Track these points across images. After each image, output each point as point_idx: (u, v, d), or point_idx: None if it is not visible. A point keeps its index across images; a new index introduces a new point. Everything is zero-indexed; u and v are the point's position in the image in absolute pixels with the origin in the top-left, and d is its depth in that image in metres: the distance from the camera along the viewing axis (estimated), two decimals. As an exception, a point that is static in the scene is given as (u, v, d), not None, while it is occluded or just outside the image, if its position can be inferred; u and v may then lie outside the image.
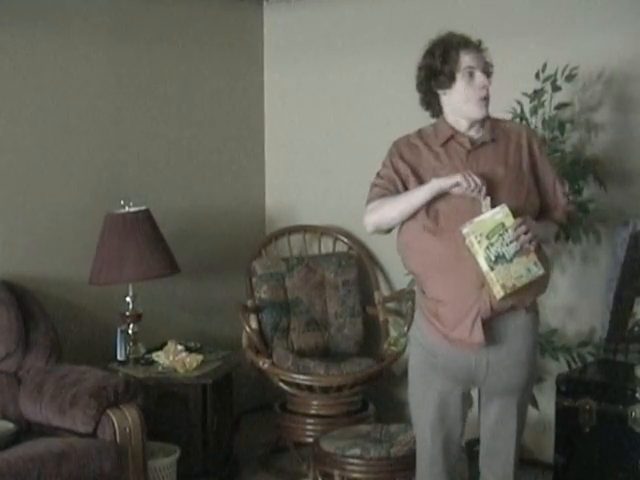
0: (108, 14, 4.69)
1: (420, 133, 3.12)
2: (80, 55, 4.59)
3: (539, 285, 3.05)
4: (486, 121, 3.06)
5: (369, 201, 3.08)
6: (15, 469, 3.34)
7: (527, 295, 3.00)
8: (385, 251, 4.92)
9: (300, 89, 5.36)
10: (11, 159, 4.35)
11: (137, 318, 4.42)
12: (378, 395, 4.79)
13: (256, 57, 5.46)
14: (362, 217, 3.10)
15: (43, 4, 4.42)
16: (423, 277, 3.07)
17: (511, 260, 2.90)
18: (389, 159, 3.10)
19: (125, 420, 3.71)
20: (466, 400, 3.19)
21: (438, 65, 2.99)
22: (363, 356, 4.78)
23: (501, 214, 2.90)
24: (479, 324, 2.95)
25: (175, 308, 4.96)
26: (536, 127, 4.14)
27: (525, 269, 2.92)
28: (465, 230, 2.90)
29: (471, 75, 2.99)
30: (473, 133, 3.05)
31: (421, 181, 3.01)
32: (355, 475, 3.75)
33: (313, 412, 4.54)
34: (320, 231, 5.21)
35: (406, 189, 3.04)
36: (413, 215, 2.99)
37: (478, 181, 2.91)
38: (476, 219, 2.90)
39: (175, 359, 4.32)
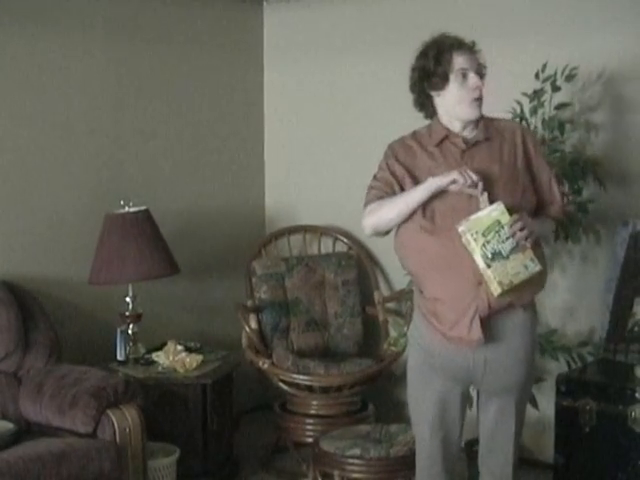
0: (108, 14, 4.69)
1: (415, 134, 3.14)
2: (80, 55, 4.59)
3: (537, 283, 3.06)
4: (480, 121, 3.07)
5: (366, 204, 3.10)
6: (15, 469, 3.34)
7: (525, 292, 3.01)
8: (385, 251, 4.91)
9: (300, 89, 5.36)
10: (11, 159, 4.35)
11: (137, 318, 4.42)
12: (378, 395, 4.79)
13: (256, 57, 5.46)
14: (362, 217, 3.11)
15: (43, 4, 4.42)
16: (421, 277, 3.08)
17: (508, 257, 2.90)
18: (384, 161, 3.12)
19: (125, 420, 3.71)
20: (465, 400, 3.19)
21: (431, 66, 3.01)
22: (363, 356, 4.78)
23: (497, 211, 2.91)
24: (477, 322, 2.96)
25: (175, 308, 4.96)
26: (536, 127, 4.14)
27: (522, 266, 2.92)
28: (461, 228, 2.91)
29: (464, 76, 3.00)
30: (467, 133, 3.07)
31: (417, 182, 3.03)
32: (355, 475, 3.75)
33: (313, 412, 4.54)
34: (320, 231, 5.21)
35: (403, 190, 3.05)
36: (410, 215, 3.00)
37: (474, 176, 2.92)
38: (472, 217, 2.91)
39: (175, 359, 4.32)
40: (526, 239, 2.92)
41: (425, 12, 4.72)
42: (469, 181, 2.91)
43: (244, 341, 4.71)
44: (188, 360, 4.32)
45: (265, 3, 5.42)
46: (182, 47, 5.05)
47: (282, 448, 4.69)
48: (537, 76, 4.13)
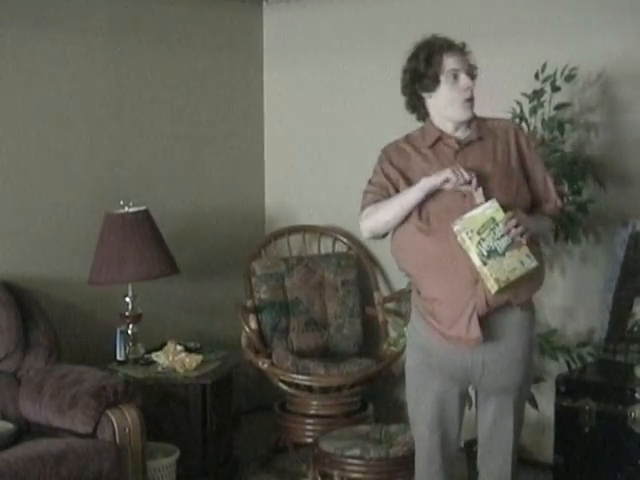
0: (108, 14, 4.69)
1: (408, 137, 3.16)
2: (80, 55, 4.59)
3: (534, 281, 3.07)
4: (472, 121, 3.09)
5: (363, 208, 3.12)
6: (15, 469, 3.34)
7: (522, 290, 3.01)
8: (384, 251, 4.85)
9: (300, 89, 5.36)
10: (11, 159, 4.36)
11: (136, 318, 4.42)
12: (377, 395, 4.79)
13: (256, 57, 5.46)
14: (359, 221, 3.13)
15: (43, 5, 4.42)
16: (418, 277, 3.09)
17: (503, 254, 2.91)
18: (379, 166, 3.14)
19: (124, 420, 3.71)
20: (463, 399, 3.20)
21: (422, 68, 3.02)
22: (362, 356, 4.78)
23: (491, 209, 2.92)
24: (475, 320, 2.97)
25: (174, 308, 4.96)
26: (535, 127, 4.14)
27: (518, 262, 2.93)
28: (456, 227, 2.92)
29: (455, 77, 3.02)
30: (460, 134, 3.08)
31: (411, 184, 3.04)
32: (354, 475, 3.76)
33: (312, 412, 4.54)
34: (319, 231, 5.21)
35: (398, 193, 3.06)
36: (406, 217, 3.02)
37: (466, 174, 2.93)
38: (466, 215, 2.92)
39: (174, 359, 4.32)
40: (521, 235, 2.93)
41: (425, 12, 4.72)
42: (461, 179, 2.93)
43: (244, 341, 4.71)
44: (188, 360, 4.32)
45: (265, 3, 5.42)
46: (182, 47, 5.05)
47: (282, 448, 4.69)
48: (537, 76, 4.13)
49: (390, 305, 4.98)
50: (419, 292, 3.11)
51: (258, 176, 5.52)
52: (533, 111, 4.13)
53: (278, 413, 4.65)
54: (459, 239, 2.92)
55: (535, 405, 4.08)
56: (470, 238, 2.90)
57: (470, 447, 3.93)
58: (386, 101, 4.86)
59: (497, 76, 4.32)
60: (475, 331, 2.97)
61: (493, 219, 2.91)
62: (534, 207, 3.13)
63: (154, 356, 4.38)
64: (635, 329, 4.03)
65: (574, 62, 4.11)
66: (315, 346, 4.84)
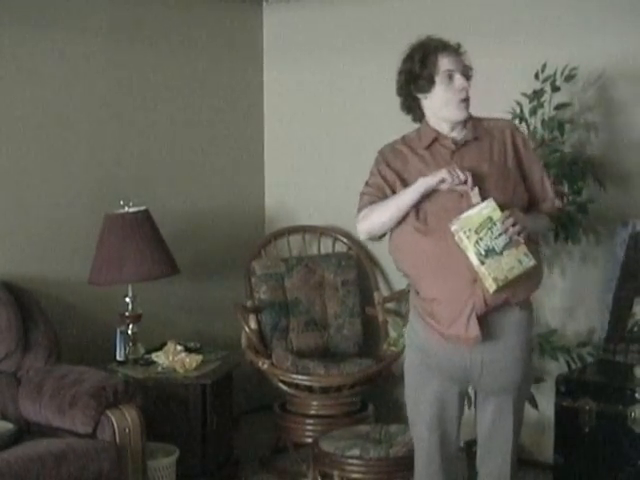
0: (108, 14, 4.69)
1: (404, 139, 3.17)
2: (80, 55, 4.59)
3: (532, 280, 3.07)
4: (468, 121, 3.09)
5: (359, 210, 3.13)
6: (14, 469, 3.34)
7: (520, 289, 3.02)
8: (384, 252, 4.83)
9: (300, 89, 5.36)
10: (11, 159, 4.35)
11: (136, 318, 4.42)
12: (377, 395, 4.79)
13: (256, 57, 5.46)
14: (356, 223, 3.14)
15: (43, 4, 4.42)
16: (416, 277, 3.09)
17: (501, 253, 2.92)
18: (376, 167, 3.15)
19: (124, 420, 3.71)
20: (462, 399, 3.20)
21: (417, 69, 3.03)
22: (362, 356, 4.78)
23: (488, 208, 2.92)
24: (474, 319, 2.97)
25: (174, 308, 4.96)
26: (535, 127, 4.14)
27: (516, 260, 2.93)
28: (454, 227, 2.92)
29: (450, 78, 3.02)
30: (456, 134, 3.09)
31: (408, 185, 3.05)
32: (354, 475, 3.76)
33: (313, 412, 4.54)
34: (319, 231, 5.21)
35: (394, 194, 3.06)
36: (403, 218, 3.03)
37: (461, 174, 2.94)
38: (463, 215, 2.92)
39: (174, 359, 4.32)
40: (519, 234, 2.93)
41: (425, 12, 4.72)
42: (457, 179, 2.93)
43: (244, 341, 4.71)
44: (188, 360, 4.32)
45: (265, 3, 5.42)
46: (182, 47, 5.05)
47: (282, 448, 4.69)
48: (537, 76, 4.14)
49: (390, 305, 4.98)
50: (417, 292, 3.12)
51: (258, 176, 5.52)
52: (533, 111, 4.13)
53: (278, 413, 4.65)
54: (457, 238, 2.92)
55: (535, 405, 4.08)
56: (468, 237, 2.91)
57: (470, 447, 3.93)
58: (386, 101, 4.83)
59: (497, 76, 4.33)
60: (474, 330, 2.98)
61: (490, 218, 2.91)
62: (532, 206, 3.14)
63: (154, 356, 4.38)
64: (635, 329, 4.03)
65: (574, 62, 4.12)
66: (315, 346, 4.84)
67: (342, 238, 5.15)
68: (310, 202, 5.32)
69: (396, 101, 3.20)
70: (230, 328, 4.90)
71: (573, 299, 4.42)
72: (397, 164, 3.10)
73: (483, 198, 2.94)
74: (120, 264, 4.30)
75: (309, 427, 4.51)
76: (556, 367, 4.17)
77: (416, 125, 3.18)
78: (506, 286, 2.93)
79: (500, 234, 2.92)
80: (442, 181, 2.96)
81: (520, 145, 3.14)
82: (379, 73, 4.92)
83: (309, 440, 4.32)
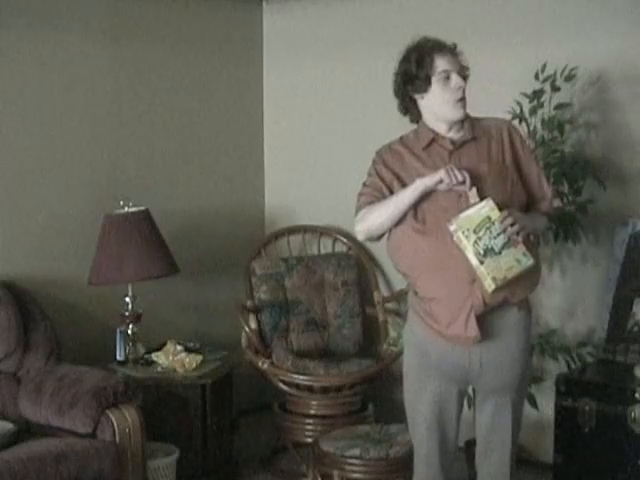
0: (107, 14, 4.69)
1: (402, 139, 3.17)
2: (79, 55, 4.59)
3: (530, 280, 3.08)
4: (465, 121, 3.09)
5: (357, 210, 3.13)
6: (14, 469, 3.34)
7: (518, 288, 3.02)
8: (384, 252, 4.81)
9: (300, 89, 5.36)
10: (10, 159, 4.35)
11: (136, 318, 4.42)
12: (377, 395, 4.79)
13: (256, 57, 5.46)
14: (354, 224, 3.14)
15: (43, 5, 4.42)
16: (415, 277, 3.09)
17: (500, 252, 2.92)
18: (373, 168, 3.16)
19: (124, 420, 3.71)
20: (461, 399, 3.20)
21: (413, 70, 3.04)
22: (362, 356, 4.78)
23: (487, 208, 2.93)
24: (473, 319, 2.98)
25: (174, 308, 4.96)
26: (535, 127, 4.14)
27: (515, 260, 2.94)
28: (452, 227, 2.92)
29: (446, 78, 3.03)
30: (453, 134, 3.09)
31: (405, 186, 3.05)
32: (354, 475, 3.75)
33: (312, 412, 4.54)
34: (319, 231, 5.21)
35: (392, 195, 3.07)
36: (401, 218, 3.03)
37: (459, 175, 2.94)
38: (462, 215, 2.93)
39: (174, 359, 4.32)
40: (517, 234, 2.94)
41: (425, 12, 4.72)
42: (455, 179, 2.94)
43: (244, 341, 4.71)
44: (188, 360, 4.32)
45: (265, 3, 5.42)
46: (182, 47, 5.05)
47: (282, 448, 4.69)
48: (537, 76, 4.14)
49: (390, 305, 4.98)
50: (416, 292, 3.12)
51: (258, 176, 5.52)
52: (533, 111, 4.13)
53: (278, 413, 4.65)
54: (455, 238, 2.93)
55: (535, 405, 4.08)
56: (467, 237, 2.91)
57: (469, 447, 3.93)
58: (386, 101, 4.86)
59: (497, 76, 4.34)
60: (473, 330, 2.98)
61: (489, 218, 2.92)
62: (529, 206, 3.15)
63: (154, 356, 4.38)
64: (635, 329, 4.03)
65: (574, 62, 4.12)
66: (315, 346, 4.84)
67: (342, 238, 5.15)
68: (310, 202, 5.32)
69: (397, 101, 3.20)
70: (230, 328, 4.90)
71: (573, 299, 4.42)
72: (395, 164, 3.11)
73: (481, 198, 2.95)
74: (120, 264, 4.30)
75: (309, 427, 4.50)
76: (556, 367, 4.17)
77: (414, 126, 3.18)
78: (505, 286, 2.94)
79: (499, 234, 2.92)
80: (440, 181, 2.96)
81: (518, 144, 3.14)
82: (379, 73, 4.90)
83: (309, 440, 4.32)
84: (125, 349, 4.39)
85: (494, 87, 4.28)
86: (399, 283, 4.75)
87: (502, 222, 2.92)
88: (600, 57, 4.19)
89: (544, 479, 4.21)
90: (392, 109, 3.22)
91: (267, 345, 4.72)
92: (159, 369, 4.33)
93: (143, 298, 4.48)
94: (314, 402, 4.53)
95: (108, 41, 4.70)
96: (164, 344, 4.42)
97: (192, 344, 4.54)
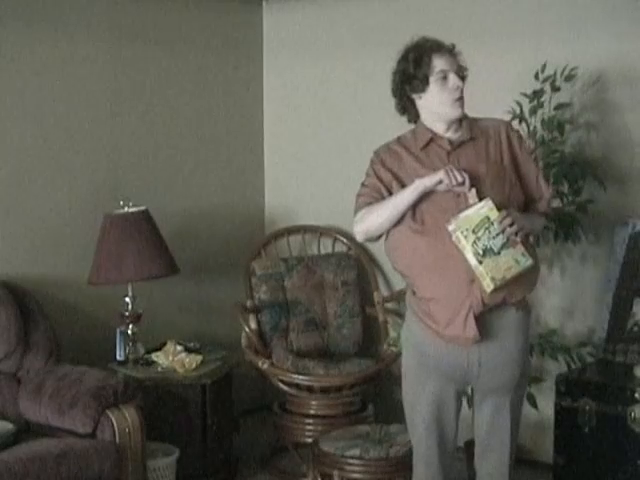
0: (108, 14, 4.69)
1: (399, 139, 3.17)
2: (79, 55, 4.59)
3: (529, 280, 3.08)
4: (463, 121, 3.10)
5: (356, 211, 3.14)
6: (14, 470, 3.34)
7: (517, 288, 3.03)
8: (384, 252, 4.90)
9: (300, 89, 5.36)
10: (10, 159, 4.35)
11: (136, 318, 4.42)
12: (377, 395, 4.79)
13: (256, 57, 5.46)
14: (353, 225, 3.15)
15: (43, 5, 4.42)
16: (413, 277, 3.09)
17: (499, 252, 2.93)
18: (371, 168, 3.16)
19: (124, 420, 3.71)
20: (460, 399, 3.21)
21: (411, 69, 3.04)
22: (362, 356, 4.78)
23: (485, 208, 2.93)
24: (472, 319, 2.98)
25: (174, 308, 4.96)
26: (535, 127, 4.14)
27: (514, 260, 2.94)
28: (451, 227, 2.93)
29: (444, 78, 3.03)
30: (451, 134, 3.09)
31: (404, 186, 3.06)
32: (354, 475, 3.75)
33: (312, 412, 4.54)
34: (319, 231, 5.21)
35: (391, 195, 3.07)
36: (400, 218, 3.03)
37: (459, 176, 2.95)
38: (461, 215, 2.93)
39: (174, 359, 4.32)
40: (516, 234, 2.94)
41: (425, 12, 4.72)
42: (454, 180, 2.94)
43: (243, 341, 4.71)
44: (188, 360, 4.32)
45: (264, 3, 5.42)
46: (182, 47, 5.05)
47: (282, 448, 4.69)
48: (537, 76, 4.14)
49: (390, 305, 4.98)
50: (414, 292, 3.12)
51: (258, 176, 5.52)
52: (533, 111, 4.13)
53: (278, 413, 4.65)
54: (454, 238, 2.93)
55: (535, 405, 4.08)
56: (465, 237, 2.91)
57: (469, 447, 3.93)
58: (386, 101, 4.86)
59: (497, 76, 4.34)
60: (472, 330, 2.99)
61: (488, 218, 2.92)
62: (527, 206, 3.15)
63: (154, 356, 4.39)
64: (635, 329, 4.03)
65: (574, 62, 4.12)
66: (315, 346, 4.84)
67: (342, 238, 5.15)
68: (310, 202, 5.32)
69: (397, 101, 3.21)
70: (230, 328, 4.90)
71: (573, 299, 4.42)
72: (393, 164, 3.11)
73: (480, 199, 2.95)
74: (120, 264, 4.30)
75: (309, 427, 4.50)
76: (556, 367, 4.17)
77: (414, 126, 3.18)
78: (503, 286, 2.94)
79: (498, 234, 2.93)
80: (440, 182, 2.96)
81: (516, 144, 3.14)
82: (379, 73, 4.89)
83: (309, 440, 4.32)
84: (125, 349, 4.39)
85: (494, 87, 4.29)
86: (399, 283, 4.75)
87: (501, 222, 2.92)
88: (600, 57, 4.20)
89: (544, 479, 4.21)
90: (392, 109, 3.22)
91: (267, 345, 4.72)
92: (159, 369, 4.33)
93: (143, 298, 4.48)
94: (314, 402, 4.53)
95: (108, 41, 4.70)
96: (164, 344, 4.42)
97: (192, 344, 4.54)
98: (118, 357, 4.38)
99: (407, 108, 3.14)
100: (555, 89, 4.12)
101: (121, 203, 4.40)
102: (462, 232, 2.92)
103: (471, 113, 3.14)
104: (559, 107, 4.15)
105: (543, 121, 4.14)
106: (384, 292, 5.03)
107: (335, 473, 3.78)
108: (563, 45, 4.25)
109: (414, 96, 3.09)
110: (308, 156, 5.36)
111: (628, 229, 4.12)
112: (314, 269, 4.97)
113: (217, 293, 5.16)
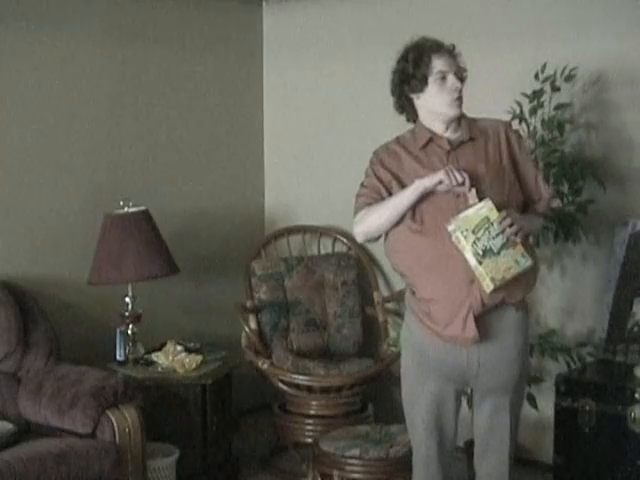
0: (108, 14, 4.69)
1: (399, 140, 3.17)
2: (79, 54, 4.59)
3: (528, 280, 3.09)
4: (462, 121, 3.10)
5: (356, 212, 3.14)
6: (14, 470, 3.34)
7: (516, 289, 3.03)
8: (384, 252, 4.91)
9: (299, 89, 5.36)
10: (10, 159, 4.35)
11: (136, 318, 4.42)
12: (377, 395, 4.79)
13: (256, 57, 5.46)
14: (353, 225, 3.14)
15: (43, 5, 4.42)
16: (413, 278, 3.09)
17: (498, 253, 2.93)
18: (371, 168, 3.15)
19: (124, 420, 3.71)
20: (459, 399, 3.21)
21: (410, 69, 3.04)
22: (362, 356, 4.78)
23: (485, 208, 2.93)
24: (471, 320, 2.98)
25: (174, 308, 4.96)
26: (535, 127, 4.14)
27: (513, 261, 2.94)
28: (451, 227, 2.93)
29: (443, 79, 3.03)
30: (450, 134, 3.09)
31: (403, 186, 3.06)
32: (354, 475, 3.76)
33: (312, 412, 4.54)
34: (319, 231, 5.21)
35: (390, 195, 3.08)
36: (400, 219, 3.02)
37: (459, 176, 2.95)
38: (460, 215, 2.93)
39: (174, 359, 4.32)
40: (516, 235, 2.94)
41: (425, 12, 4.72)
42: (454, 180, 2.94)
43: (243, 341, 4.71)
44: (188, 360, 4.32)
45: (264, 3, 5.42)
46: (181, 47, 5.05)
47: (282, 448, 4.70)
48: (537, 76, 4.14)
49: (390, 305, 4.98)
50: (414, 293, 3.12)
51: (258, 176, 5.52)
52: (533, 111, 4.13)
53: (278, 413, 4.65)
54: (454, 239, 2.93)
55: (535, 405, 4.08)
56: (465, 237, 2.91)
57: (469, 447, 3.92)
58: (387, 101, 4.86)
59: (497, 76, 4.34)
60: (471, 331, 2.99)
61: (487, 218, 2.92)
62: (526, 206, 3.15)
63: (154, 356, 4.38)
64: (635, 329, 4.03)
65: (574, 62, 4.12)
66: (315, 346, 4.84)
67: (342, 238, 5.15)
68: (310, 202, 5.32)
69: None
70: (230, 328, 4.90)
71: (573, 299, 4.42)
72: (392, 165, 3.11)
73: (480, 199, 2.95)
74: (120, 264, 4.30)
75: (309, 427, 4.51)
76: (556, 367, 4.16)
77: (411, 125, 3.18)
78: (503, 286, 2.94)
79: (497, 234, 2.93)
80: (440, 182, 2.96)
81: (515, 144, 3.14)
82: (379, 73, 4.89)
83: (309, 440, 4.32)
84: (125, 349, 4.38)
85: (494, 87, 4.29)
86: (399, 283, 4.75)
87: (501, 223, 2.92)
88: (600, 57, 4.19)
89: (544, 479, 4.21)
90: (392, 109, 3.22)
91: (267, 345, 4.72)
92: (159, 369, 4.32)
93: (143, 298, 4.48)
94: (314, 402, 4.53)
95: (108, 41, 4.70)
96: (164, 344, 4.42)
97: (192, 344, 4.54)
98: (118, 357, 4.38)
99: (405, 107, 3.14)
100: (555, 89, 4.12)
101: (121, 203, 4.40)
102: (462, 232, 2.92)
103: (471, 113, 3.14)
104: (559, 107, 4.15)
105: (543, 121, 4.14)
106: (384, 292, 5.03)
107: (335, 473, 3.78)
108: (563, 45, 4.25)
109: (412, 96, 3.09)
110: (308, 156, 5.36)
111: (628, 229, 4.12)
112: (314, 269, 4.97)
113: (217, 293, 5.16)
